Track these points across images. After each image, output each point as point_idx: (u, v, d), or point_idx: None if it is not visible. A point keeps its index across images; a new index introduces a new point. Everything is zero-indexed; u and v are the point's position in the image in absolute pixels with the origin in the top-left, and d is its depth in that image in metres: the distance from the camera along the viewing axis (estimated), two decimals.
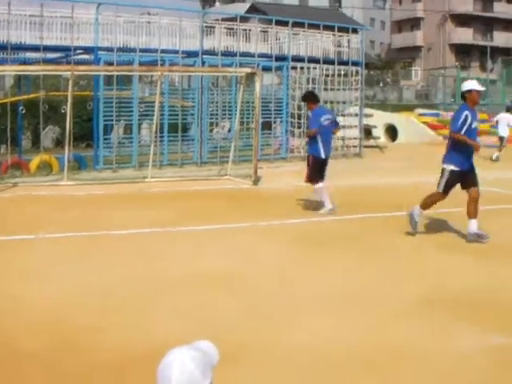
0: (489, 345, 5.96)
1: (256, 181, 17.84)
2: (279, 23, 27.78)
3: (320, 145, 13.02)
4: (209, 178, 19.62)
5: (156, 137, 21.42)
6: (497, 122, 27.87)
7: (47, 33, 21.53)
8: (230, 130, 26.62)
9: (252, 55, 25.25)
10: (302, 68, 26.80)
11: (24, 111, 23.88)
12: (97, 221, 12.55)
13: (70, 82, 17.92)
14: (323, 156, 13.16)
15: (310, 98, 13.87)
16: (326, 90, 27.53)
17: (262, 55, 25.98)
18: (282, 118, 26.74)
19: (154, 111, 19.62)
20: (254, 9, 61.33)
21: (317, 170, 13.13)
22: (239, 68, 21.37)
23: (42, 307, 7.08)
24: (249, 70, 19.29)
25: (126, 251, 9.97)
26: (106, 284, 8.01)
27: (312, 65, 26.91)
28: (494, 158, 25.92)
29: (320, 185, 13.12)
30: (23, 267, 8.96)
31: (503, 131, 26.96)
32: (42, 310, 7.00)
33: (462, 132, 10.12)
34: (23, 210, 14.21)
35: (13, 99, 24.01)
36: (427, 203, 10.72)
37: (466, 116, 10.13)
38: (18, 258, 9.55)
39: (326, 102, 27.65)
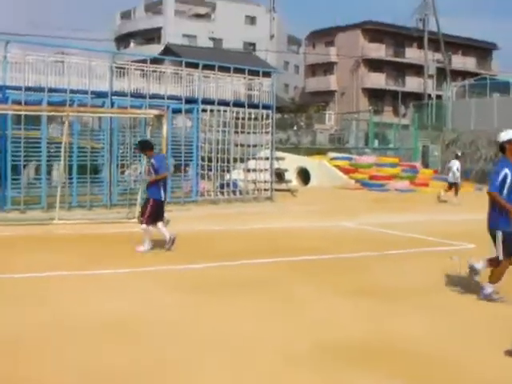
0: None
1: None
2: (191, 65, 27.97)
3: (161, 188, 13.82)
4: (116, 220, 19.42)
5: (65, 178, 21.17)
6: (448, 169, 29.34)
7: None
8: (141, 172, 26.39)
9: (162, 97, 25.32)
10: (212, 110, 26.85)
11: None
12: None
13: None
14: (163, 199, 13.96)
15: (148, 146, 14.40)
16: (236, 132, 27.71)
17: (172, 97, 26.11)
18: (192, 160, 26.67)
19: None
20: (168, 50, 61.61)
21: (156, 212, 13.79)
22: (147, 110, 21.30)
23: None
24: (156, 112, 19.29)
25: (20, 295, 9.73)
26: None
27: (222, 107, 27.01)
28: (455, 202, 27.45)
29: (150, 227, 13.86)
30: None
31: (454, 177, 28.62)
32: None
33: (504, 192, 9.32)
34: None
35: None
36: (497, 276, 9.66)
37: (506, 175, 9.32)
38: None
39: (236, 145, 27.91)
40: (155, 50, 63.88)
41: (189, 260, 12.82)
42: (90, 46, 56.98)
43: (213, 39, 75.06)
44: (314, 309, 9.21)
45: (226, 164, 27.61)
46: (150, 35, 75.36)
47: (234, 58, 52.37)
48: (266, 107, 28.71)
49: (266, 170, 28.69)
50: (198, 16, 77.29)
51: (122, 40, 79.82)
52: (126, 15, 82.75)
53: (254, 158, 29.57)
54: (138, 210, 19.22)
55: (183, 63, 27.40)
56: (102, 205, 23.69)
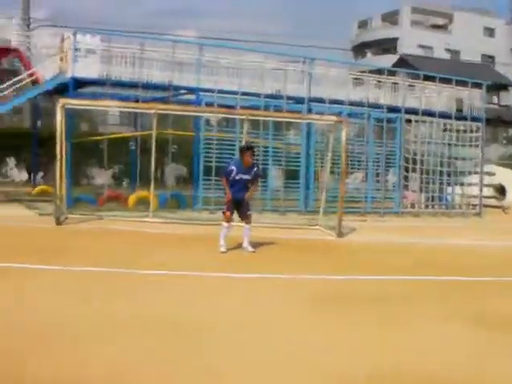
0: None
1: (340, 233, 17.11)
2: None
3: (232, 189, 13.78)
4: (300, 227, 19.06)
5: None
6: None
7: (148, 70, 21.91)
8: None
9: (363, 105, 24.70)
10: (416, 121, 25.83)
11: (133, 147, 24.21)
12: (129, 258, 12.29)
13: (154, 121, 18.06)
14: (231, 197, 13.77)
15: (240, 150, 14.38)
16: (445, 144, 26.55)
17: (373, 105, 25.32)
18: (394, 169, 25.90)
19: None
20: (401, 61, 60.39)
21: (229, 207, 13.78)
22: (326, 116, 20.71)
23: None
24: (335, 119, 18.62)
25: (132, 291, 9.58)
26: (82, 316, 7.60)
27: (428, 118, 25.93)
28: None
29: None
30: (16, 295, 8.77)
31: None
32: None
33: None
34: (78, 242, 14.25)
35: (125, 135, 24.64)
36: None
37: None
38: (18, 286, 9.41)
39: (449, 158, 26.76)
40: (390, 60, 62.91)
41: (333, 271, 12.13)
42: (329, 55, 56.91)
43: (449, 51, 72.81)
44: (415, 334, 8.13)
45: (434, 176, 26.53)
46: (386, 45, 74.49)
47: (470, 71, 50.33)
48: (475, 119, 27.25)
49: (476, 184, 27.22)
50: (435, 27, 75.35)
51: (359, 49, 79.63)
52: (362, 25, 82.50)
53: (469, 172, 28.26)
54: (320, 217, 18.92)
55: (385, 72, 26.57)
56: (297, 210, 23.47)
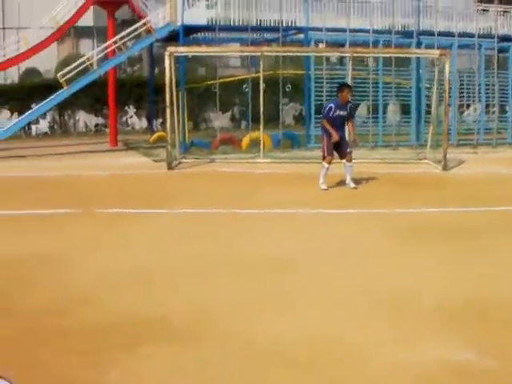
0: None
1: (445, 166, 17.13)
2: None
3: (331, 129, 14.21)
4: (406, 161, 19.12)
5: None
6: None
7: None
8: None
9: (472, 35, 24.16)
10: None
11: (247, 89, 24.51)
12: (233, 199, 12.85)
13: (261, 63, 18.41)
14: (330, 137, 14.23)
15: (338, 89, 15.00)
16: None
17: (484, 36, 24.69)
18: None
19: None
20: None
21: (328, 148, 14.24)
22: (429, 50, 20.42)
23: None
24: (438, 52, 18.40)
25: (232, 230, 10.12)
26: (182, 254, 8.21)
27: None
28: None
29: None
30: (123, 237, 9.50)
31: None
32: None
33: None
34: (187, 185, 14.96)
35: (235, 78, 25.18)
36: None
37: None
38: (136, 229, 10.16)
39: None
40: None
41: (432, 204, 12.29)
42: None
43: None
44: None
45: None
46: None
47: None
48: None
49: None
50: None
51: None
52: None
53: None
54: (428, 151, 18.92)
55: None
56: (409, 145, 23.41)
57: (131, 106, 32.84)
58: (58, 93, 22.68)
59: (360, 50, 20.59)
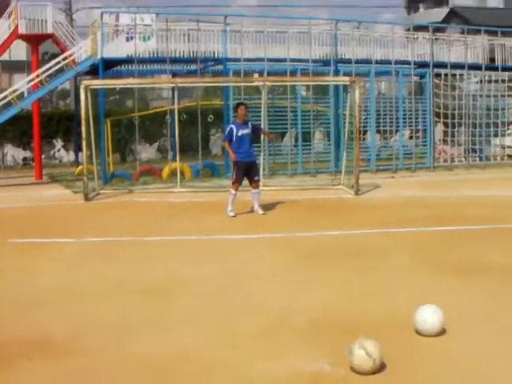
0: None
1: (357, 191, 17.64)
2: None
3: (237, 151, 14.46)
4: (322, 187, 19.62)
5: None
6: None
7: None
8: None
9: (389, 62, 24.92)
10: (446, 75, 25.93)
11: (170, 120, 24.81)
12: (144, 227, 13.08)
13: (176, 94, 18.78)
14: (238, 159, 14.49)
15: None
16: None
17: (400, 62, 25.50)
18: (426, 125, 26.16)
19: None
20: (452, 13, 59.52)
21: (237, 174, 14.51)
22: (339, 77, 21.13)
23: None
24: (347, 79, 19.05)
25: (123, 256, 10.37)
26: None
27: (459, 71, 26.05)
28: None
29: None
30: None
31: None
32: None
33: None
34: (100, 215, 15.17)
35: (156, 111, 25.51)
36: None
37: None
38: (41, 257, 10.37)
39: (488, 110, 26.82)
40: (441, 14, 61.93)
41: (332, 227, 12.68)
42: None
43: None
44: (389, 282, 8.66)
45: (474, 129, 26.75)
46: None
47: None
48: None
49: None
50: None
51: (413, 3, 78.30)
52: None
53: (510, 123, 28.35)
54: (342, 177, 19.43)
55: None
56: (328, 171, 23.91)
57: (59, 140, 32.94)
58: None
59: (271, 79, 21.18)
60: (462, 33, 27.75)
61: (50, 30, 25.46)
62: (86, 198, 17.44)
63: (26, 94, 24.80)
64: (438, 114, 26.12)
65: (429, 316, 6.25)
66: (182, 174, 22.33)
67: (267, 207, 14.95)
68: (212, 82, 21.96)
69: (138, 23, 23.05)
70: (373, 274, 8.91)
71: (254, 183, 14.61)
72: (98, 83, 19.85)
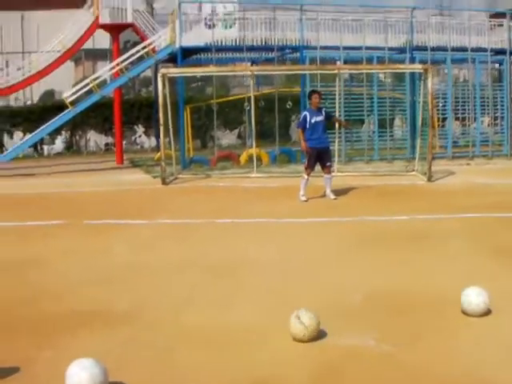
0: None
1: (430, 177, 17.73)
2: None
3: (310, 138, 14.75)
4: (396, 173, 19.76)
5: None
6: None
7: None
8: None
9: (465, 49, 24.74)
10: None
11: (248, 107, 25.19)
12: (217, 211, 13.54)
13: (252, 81, 19.15)
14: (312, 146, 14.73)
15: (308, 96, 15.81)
16: None
17: (476, 49, 25.28)
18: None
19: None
20: None
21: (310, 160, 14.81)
22: (411, 65, 21.15)
23: None
24: (420, 67, 19.08)
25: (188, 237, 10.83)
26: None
27: None
28: None
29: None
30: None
31: None
32: None
33: None
34: (176, 199, 15.75)
35: (233, 97, 25.92)
36: None
37: None
38: (114, 237, 10.94)
39: None
40: None
41: (400, 212, 12.87)
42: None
43: None
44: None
45: None
46: None
47: None
48: None
49: None
50: None
51: None
52: None
53: None
54: (416, 163, 19.52)
55: None
56: (405, 158, 23.97)
57: (140, 126, 33.81)
58: (61, 114, 23.52)
59: (344, 67, 21.38)
60: None
61: (129, 20, 26.21)
62: (164, 182, 18.00)
63: (108, 82, 25.64)
64: None
65: (473, 297, 6.46)
66: (260, 159, 22.76)
67: (340, 192, 15.21)
68: (286, 70, 22.29)
69: (219, 11, 23.45)
70: (430, 256, 9.15)
71: (326, 168, 14.91)
72: (174, 71, 20.41)
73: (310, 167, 14.84)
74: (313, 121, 14.63)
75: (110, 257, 9.57)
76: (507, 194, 15.23)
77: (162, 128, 18.47)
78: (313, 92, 15.53)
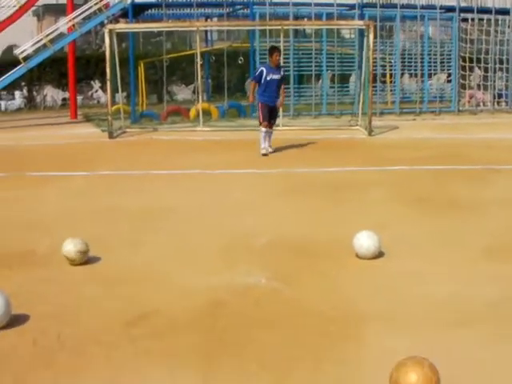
0: None
1: (370, 132, 18.26)
2: None
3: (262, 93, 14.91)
4: (338, 128, 20.24)
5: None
6: None
7: None
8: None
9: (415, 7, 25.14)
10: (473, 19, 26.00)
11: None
12: (155, 163, 13.96)
13: (197, 38, 19.47)
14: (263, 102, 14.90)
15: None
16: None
17: (428, 7, 25.68)
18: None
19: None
20: None
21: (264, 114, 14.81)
22: (352, 21, 21.59)
23: None
24: (361, 23, 19.50)
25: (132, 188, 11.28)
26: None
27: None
28: None
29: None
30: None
31: None
32: None
33: None
34: (119, 151, 16.20)
35: (185, 53, 26.23)
36: None
37: None
38: (52, 188, 11.23)
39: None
40: None
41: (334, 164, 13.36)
42: None
43: None
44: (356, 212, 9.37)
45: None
46: None
47: None
48: None
49: None
50: None
51: None
52: None
53: None
54: (359, 118, 20.03)
55: None
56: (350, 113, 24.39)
57: (96, 81, 33.93)
58: (14, 69, 23.58)
59: (287, 23, 21.67)
60: None
61: None
62: (110, 136, 18.35)
63: None
64: (478, 60, 26.15)
65: (364, 240, 6.97)
66: (210, 114, 23.13)
67: (282, 146, 15.63)
68: (228, 25, 22.64)
69: None
70: (343, 206, 9.69)
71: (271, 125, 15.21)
72: (121, 27, 20.61)
73: (265, 119, 14.85)
74: (268, 78, 14.68)
75: (42, 205, 10.03)
76: (442, 147, 15.76)
77: (108, 83, 18.73)
78: (274, 49, 15.40)
